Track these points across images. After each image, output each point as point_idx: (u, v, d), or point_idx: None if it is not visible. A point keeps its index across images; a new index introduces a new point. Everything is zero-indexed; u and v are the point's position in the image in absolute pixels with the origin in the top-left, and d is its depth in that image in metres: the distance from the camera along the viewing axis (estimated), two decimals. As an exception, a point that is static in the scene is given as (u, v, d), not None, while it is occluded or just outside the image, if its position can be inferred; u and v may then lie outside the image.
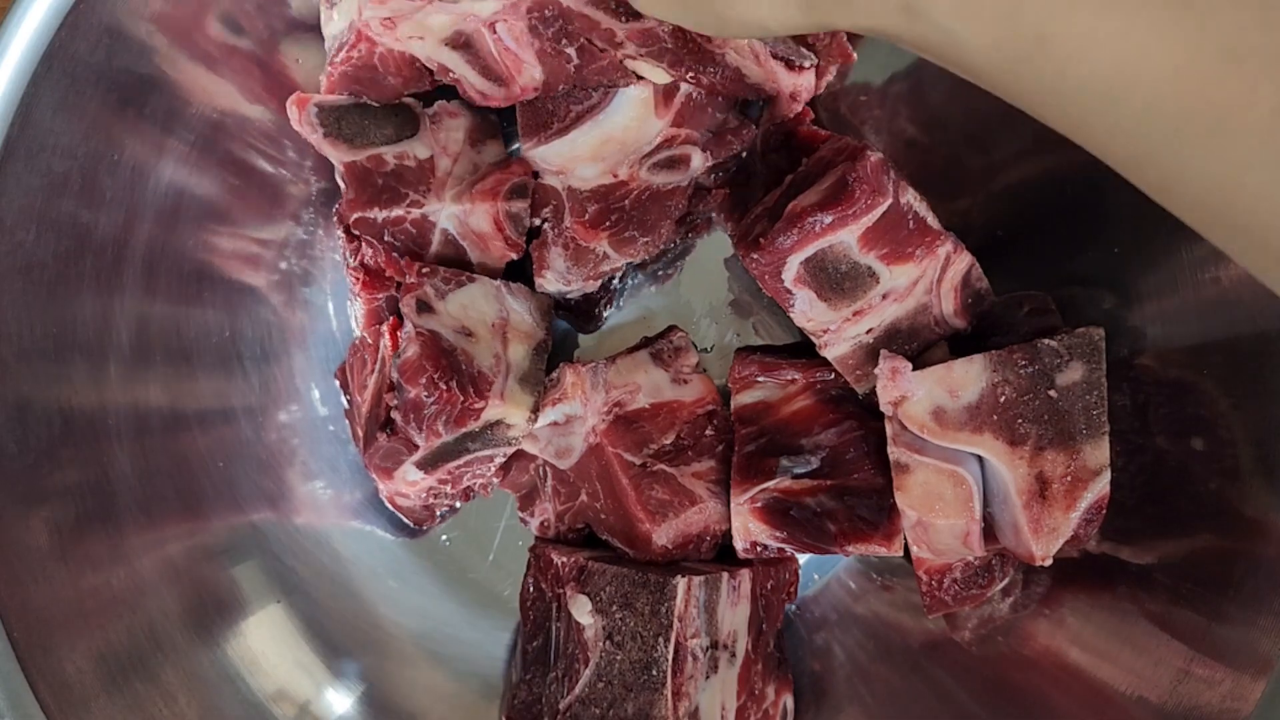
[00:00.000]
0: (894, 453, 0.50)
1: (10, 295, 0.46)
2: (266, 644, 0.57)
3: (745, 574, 0.55)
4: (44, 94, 0.45)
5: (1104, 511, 0.48)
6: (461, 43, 0.53)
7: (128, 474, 0.52)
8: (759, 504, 0.54)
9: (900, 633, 0.58)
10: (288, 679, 0.57)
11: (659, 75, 0.54)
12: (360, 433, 0.59)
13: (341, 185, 0.58)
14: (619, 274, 0.61)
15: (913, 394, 0.49)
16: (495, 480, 0.61)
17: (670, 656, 0.50)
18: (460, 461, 0.56)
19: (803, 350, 0.58)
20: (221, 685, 0.54)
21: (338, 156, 0.56)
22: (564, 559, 0.55)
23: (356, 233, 0.57)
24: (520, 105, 0.55)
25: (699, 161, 0.55)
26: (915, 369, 0.49)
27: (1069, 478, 0.48)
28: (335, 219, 0.59)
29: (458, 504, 0.62)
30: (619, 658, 0.51)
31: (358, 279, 0.57)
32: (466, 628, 0.63)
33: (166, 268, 0.54)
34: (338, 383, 0.63)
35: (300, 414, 0.62)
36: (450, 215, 0.57)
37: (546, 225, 0.57)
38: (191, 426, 0.57)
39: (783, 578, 0.58)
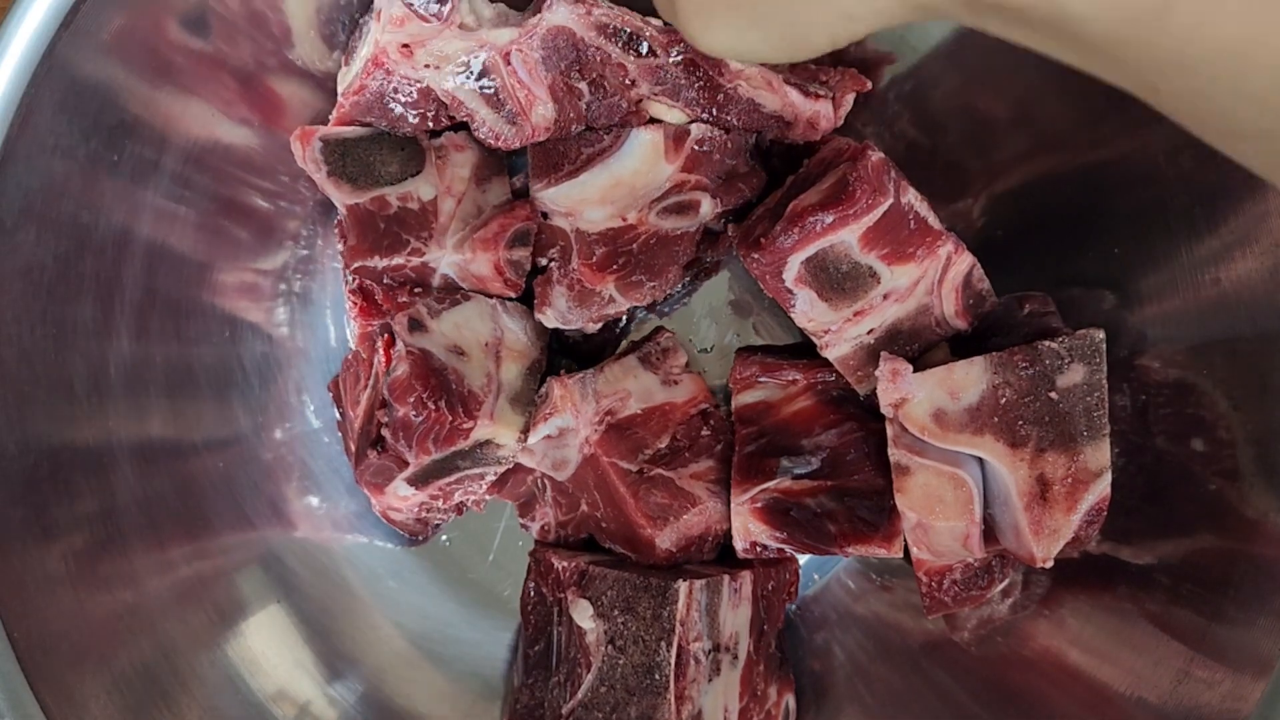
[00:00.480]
0: (894, 454, 0.50)
1: (10, 296, 0.46)
2: (266, 645, 0.57)
3: (746, 576, 0.55)
4: (44, 94, 0.44)
5: (1105, 513, 0.49)
6: (476, 73, 0.53)
7: (128, 475, 0.52)
8: (759, 504, 0.54)
9: (900, 633, 0.59)
10: (288, 679, 0.57)
11: (674, 115, 0.54)
12: (353, 448, 0.59)
13: (343, 221, 0.57)
14: (624, 318, 0.61)
15: (913, 396, 0.49)
16: (488, 497, 0.61)
17: (673, 660, 0.50)
18: (451, 479, 0.56)
19: (804, 351, 0.58)
20: (222, 686, 0.54)
21: (340, 199, 0.56)
22: (565, 564, 0.55)
23: (356, 278, 0.58)
24: (532, 146, 0.55)
25: (708, 207, 0.55)
26: (916, 370, 0.49)
27: (1070, 479, 0.48)
28: (335, 230, 0.59)
29: (451, 517, 0.62)
30: (621, 662, 0.51)
31: (355, 304, 0.58)
32: (467, 628, 0.63)
33: (166, 269, 0.54)
34: (331, 396, 0.63)
35: (299, 426, 0.62)
36: (451, 263, 0.56)
37: (553, 265, 0.57)
38: (193, 433, 0.57)
39: (783, 578, 0.58)
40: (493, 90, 0.53)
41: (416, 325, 0.55)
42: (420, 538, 0.63)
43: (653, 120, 0.55)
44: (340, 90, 0.55)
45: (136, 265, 0.52)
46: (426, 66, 0.52)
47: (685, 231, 0.56)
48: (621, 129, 0.54)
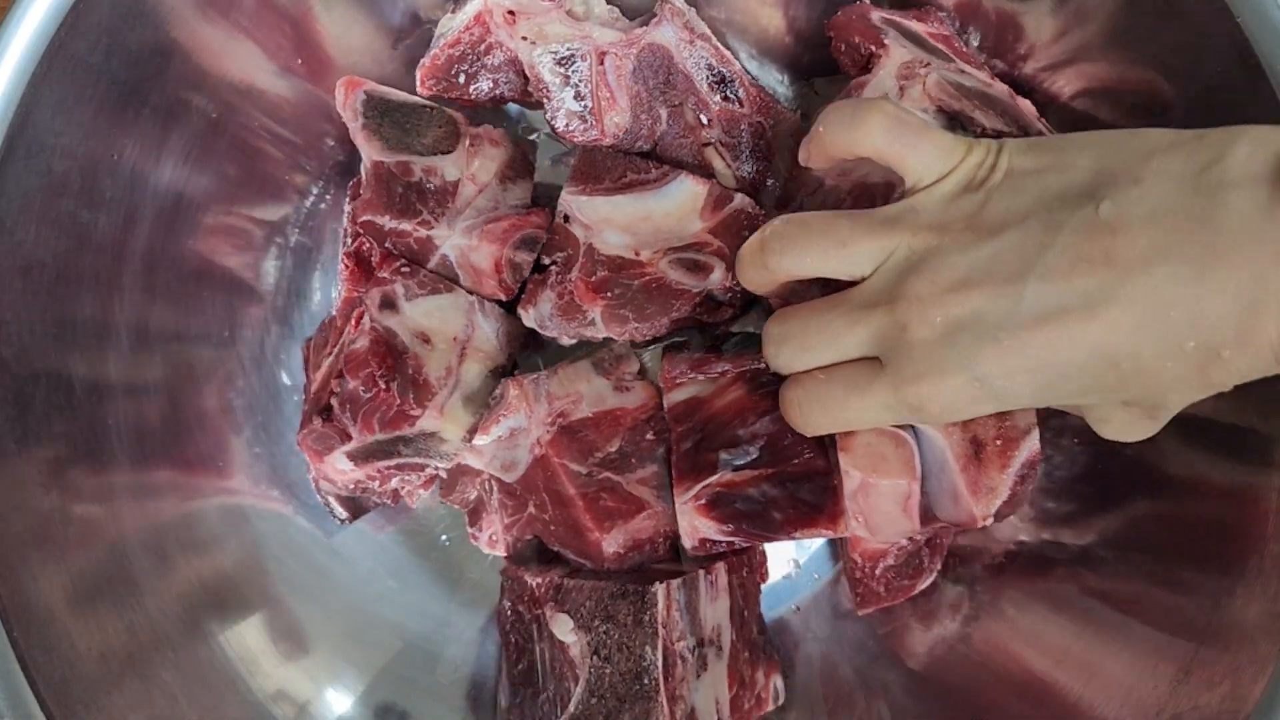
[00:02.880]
0: None
1: (10, 295, 0.46)
2: (266, 644, 0.57)
3: (720, 568, 0.54)
4: (44, 94, 0.45)
5: (1036, 470, 0.49)
6: (568, 61, 0.54)
7: (127, 472, 0.53)
8: (703, 500, 0.54)
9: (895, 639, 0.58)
10: (288, 679, 0.57)
11: (725, 173, 0.55)
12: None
13: (364, 177, 0.57)
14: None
15: None
16: (423, 491, 0.60)
17: (660, 663, 0.50)
18: (391, 462, 0.56)
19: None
20: (221, 686, 0.54)
21: (369, 153, 0.56)
22: (538, 580, 0.54)
23: (360, 231, 0.58)
24: (582, 148, 0.55)
25: (719, 276, 0.54)
26: None
27: (1000, 439, 0.48)
28: (349, 190, 0.60)
29: (386, 503, 0.62)
30: (608, 671, 0.51)
31: (347, 267, 0.58)
32: (466, 628, 0.63)
33: (166, 266, 0.54)
34: (302, 357, 0.63)
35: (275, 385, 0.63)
36: (455, 245, 0.56)
37: (553, 268, 0.56)
38: (190, 425, 0.57)
39: (754, 561, 0.58)
40: (577, 82, 0.54)
41: (388, 304, 0.55)
42: (349, 520, 0.62)
43: (705, 176, 0.55)
44: (436, 37, 0.57)
45: (139, 250, 0.52)
46: (524, 38, 0.54)
47: (688, 290, 0.55)
48: (673, 170, 0.54)
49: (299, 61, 0.57)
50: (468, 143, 0.56)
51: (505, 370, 0.58)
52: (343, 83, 0.55)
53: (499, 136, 0.58)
